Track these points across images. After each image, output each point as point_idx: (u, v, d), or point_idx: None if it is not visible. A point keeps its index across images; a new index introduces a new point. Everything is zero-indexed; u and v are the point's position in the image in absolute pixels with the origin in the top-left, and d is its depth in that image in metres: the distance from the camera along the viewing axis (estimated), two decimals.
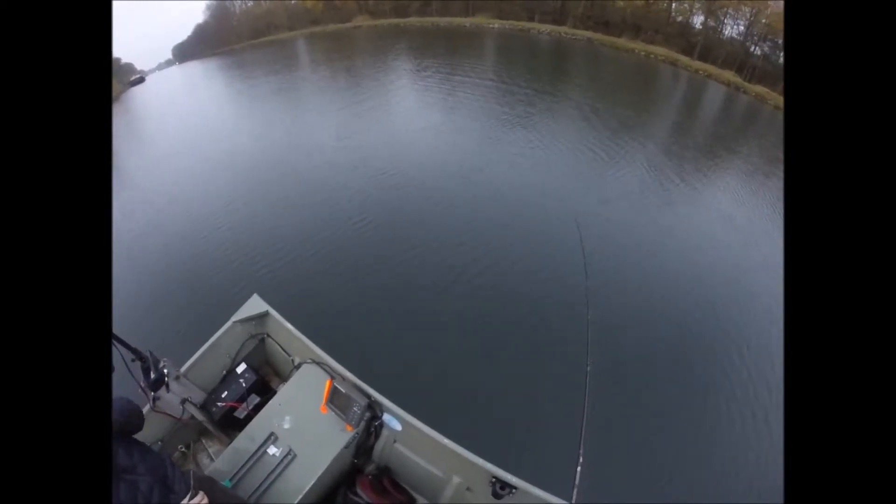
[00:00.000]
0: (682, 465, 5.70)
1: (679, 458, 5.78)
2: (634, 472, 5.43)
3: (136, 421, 2.39)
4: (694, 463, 5.77)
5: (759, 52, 35.19)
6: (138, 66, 65.73)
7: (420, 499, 3.55)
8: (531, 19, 43.96)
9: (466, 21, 46.47)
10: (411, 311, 7.75)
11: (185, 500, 2.27)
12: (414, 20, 49.73)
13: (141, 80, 57.22)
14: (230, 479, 2.93)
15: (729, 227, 11.77)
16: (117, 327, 2.69)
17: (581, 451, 2.46)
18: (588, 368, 2.98)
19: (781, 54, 33.68)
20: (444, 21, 47.44)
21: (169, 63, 70.92)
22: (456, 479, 3.25)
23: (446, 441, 3.07)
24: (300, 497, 2.90)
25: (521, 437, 5.67)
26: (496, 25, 44.37)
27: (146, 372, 3.05)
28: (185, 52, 68.53)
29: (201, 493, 2.33)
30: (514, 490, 2.88)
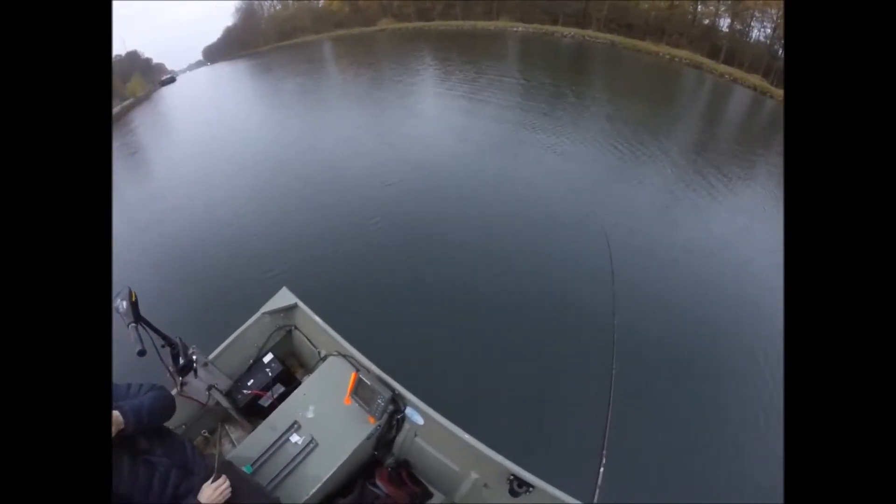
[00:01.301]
0: (706, 468, 5.64)
1: (703, 461, 5.71)
2: (656, 475, 5.36)
3: (171, 414, 2.50)
4: (717, 467, 5.68)
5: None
6: (169, 67, 66.97)
7: (437, 494, 3.57)
8: (554, 22, 43.76)
9: (490, 25, 46.40)
10: (438, 308, 7.79)
11: (209, 483, 2.34)
12: (437, 23, 49.84)
13: (172, 79, 58.31)
14: (251, 465, 2.99)
15: (757, 230, 11.66)
16: (150, 314, 2.81)
17: (605, 453, 2.43)
18: (613, 371, 2.95)
19: None
20: (467, 24, 47.46)
21: (199, 64, 72.05)
22: (473, 475, 3.26)
23: (466, 437, 3.07)
24: (319, 485, 2.95)
25: (543, 437, 5.66)
26: (519, 29, 44.27)
27: (175, 358, 3.15)
28: (215, 53, 69.68)
29: (224, 477, 2.39)
30: (531, 489, 2.87)
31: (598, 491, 2.30)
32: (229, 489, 2.39)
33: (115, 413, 2.12)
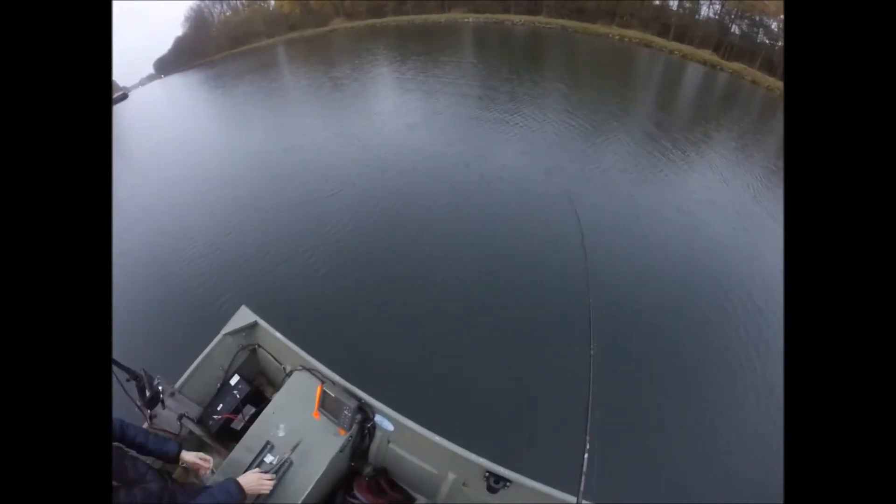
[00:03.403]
0: (690, 450, 5.69)
1: (687, 443, 5.75)
2: (641, 459, 5.37)
3: None
4: (701, 449, 5.73)
5: (736, 31, 35.36)
6: (120, 84, 65.10)
7: (418, 497, 3.59)
8: (506, 11, 44.00)
9: (441, 17, 46.62)
10: (398, 306, 7.73)
11: (255, 470, 2.69)
12: (390, 19, 49.67)
13: (124, 96, 56.57)
14: None
15: (717, 198, 12.08)
16: None
17: (587, 439, 2.37)
18: (591, 353, 2.90)
19: (758, 31, 34.05)
20: (419, 18, 47.49)
21: (151, 77, 70.09)
22: (451, 476, 3.28)
23: (438, 438, 3.11)
24: (298, 503, 2.94)
25: (523, 430, 5.65)
26: (471, 19, 44.61)
27: (141, 391, 3.08)
28: (166, 65, 68.00)
29: (273, 475, 2.69)
30: (508, 483, 2.92)
31: (583, 479, 2.24)
32: (272, 485, 2.68)
33: None
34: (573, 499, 2.16)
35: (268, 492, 2.65)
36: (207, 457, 2.86)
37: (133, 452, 2.48)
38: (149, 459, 2.62)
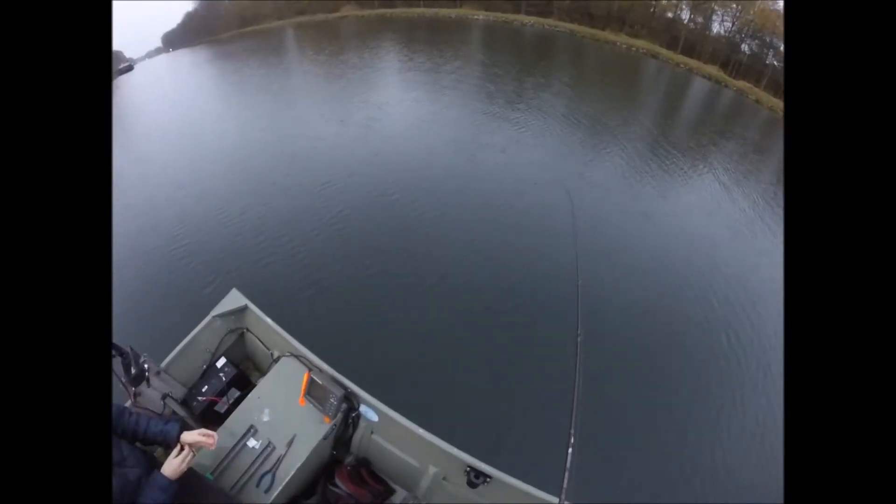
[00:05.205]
0: (684, 445, 5.71)
1: (681, 438, 5.78)
2: (630, 453, 5.41)
3: None
4: (696, 444, 5.75)
5: (745, 50, 35.56)
6: (127, 55, 64.58)
7: (398, 489, 3.61)
8: (517, 11, 44.06)
9: (452, 12, 46.61)
10: (389, 297, 7.76)
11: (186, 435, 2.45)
12: (401, 10, 49.52)
13: (129, 68, 56.01)
14: (211, 473, 2.97)
15: (709, 195, 12.46)
16: None
17: (572, 432, 2.23)
18: (578, 339, 2.78)
19: (768, 52, 34.28)
20: (430, 12, 47.45)
21: (158, 51, 69.63)
22: (432, 469, 3.30)
23: (421, 431, 3.13)
24: (280, 488, 2.94)
25: (508, 423, 5.67)
26: (481, 17, 44.66)
27: (127, 368, 3.06)
28: (174, 40, 67.54)
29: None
30: (488, 479, 2.95)
31: (566, 476, 2.09)
32: (208, 442, 2.47)
33: None
34: (555, 499, 2.07)
35: (211, 445, 2.47)
36: (209, 432, 2.52)
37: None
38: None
